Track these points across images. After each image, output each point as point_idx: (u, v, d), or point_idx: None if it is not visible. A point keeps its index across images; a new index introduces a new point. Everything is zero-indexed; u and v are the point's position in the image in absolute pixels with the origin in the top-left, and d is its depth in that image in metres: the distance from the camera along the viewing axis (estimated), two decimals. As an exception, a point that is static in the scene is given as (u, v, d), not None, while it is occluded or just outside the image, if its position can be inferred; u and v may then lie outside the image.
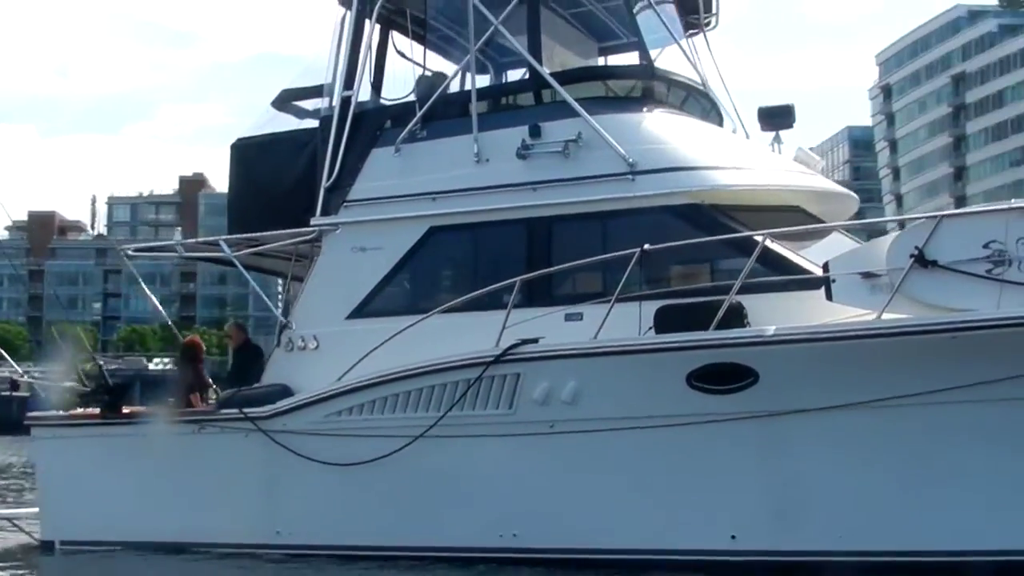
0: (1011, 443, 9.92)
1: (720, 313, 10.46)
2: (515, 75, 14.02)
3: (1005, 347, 9.61)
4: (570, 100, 12.13)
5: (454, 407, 11.37)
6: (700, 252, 11.54)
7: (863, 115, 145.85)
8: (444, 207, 12.49)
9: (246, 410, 12.38)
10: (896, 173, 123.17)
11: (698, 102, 13.39)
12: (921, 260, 9.85)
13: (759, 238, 10.79)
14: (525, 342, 11.15)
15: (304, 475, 12.12)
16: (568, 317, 11.59)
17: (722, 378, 10.51)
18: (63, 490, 13.40)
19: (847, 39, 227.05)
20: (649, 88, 12.81)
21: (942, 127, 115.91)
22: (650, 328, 10.97)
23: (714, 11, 14.39)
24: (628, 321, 10.98)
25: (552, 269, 11.64)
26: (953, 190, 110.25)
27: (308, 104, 14.62)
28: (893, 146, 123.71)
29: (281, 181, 13.69)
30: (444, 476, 11.60)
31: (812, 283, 10.81)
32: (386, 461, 11.66)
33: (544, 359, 11.09)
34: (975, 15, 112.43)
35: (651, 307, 11.01)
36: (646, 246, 10.84)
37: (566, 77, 12.68)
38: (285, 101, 14.38)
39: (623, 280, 10.83)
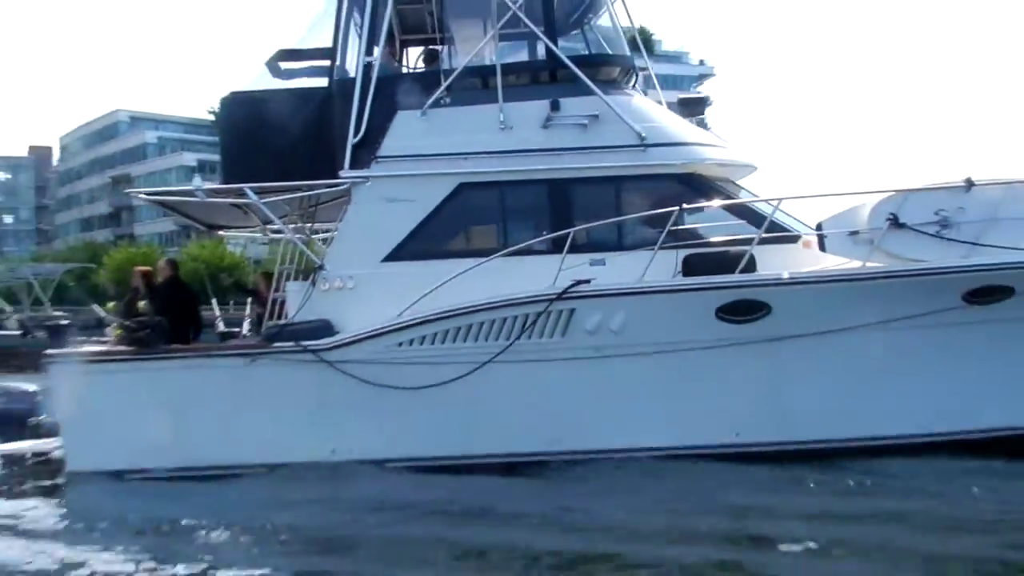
0: (948, 355, 13.79)
1: (744, 261, 13.55)
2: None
3: (949, 287, 13.43)
4: (589, 83, 14.58)
5: (519, 337, 13.61)
6: (706, 210, 14.54)
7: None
8: (473, 166, 14.55)
9: (304, 343, 13.84)
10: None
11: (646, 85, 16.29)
12: (895, 223, 13.46)
13: (774, 202, 14.00)
14: (580, 282, 13.59)
15: (359, 400, 13.80)
16: (592, 263, 14.15)
17: (742, 311, 13.59)
18: (107, 423, 13.90)
19: None
20: (628, 73, 15.56)
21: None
22: (678, 272, 13.83)
23: None
24: (654, 266, 13.73)
25: (605, 222, 14.09)
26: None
27: (285, 65, 15.92)
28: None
29: (284, 135, 14.90)
30: (501, 396, 13.78)
31: (790, 239, 14.25)
32: (448, 385, 13.69)
33: (601, 296, 13.61)
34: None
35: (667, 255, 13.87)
36: (684, 205, 13.65)
37: (575, 61, 15.01)
38: (279, 60, 15.57)
39: (664, 232, 13.58)
